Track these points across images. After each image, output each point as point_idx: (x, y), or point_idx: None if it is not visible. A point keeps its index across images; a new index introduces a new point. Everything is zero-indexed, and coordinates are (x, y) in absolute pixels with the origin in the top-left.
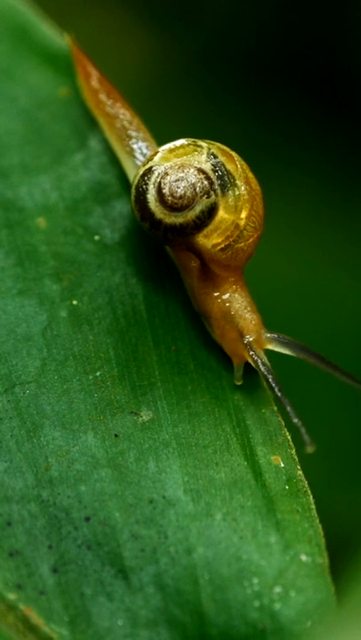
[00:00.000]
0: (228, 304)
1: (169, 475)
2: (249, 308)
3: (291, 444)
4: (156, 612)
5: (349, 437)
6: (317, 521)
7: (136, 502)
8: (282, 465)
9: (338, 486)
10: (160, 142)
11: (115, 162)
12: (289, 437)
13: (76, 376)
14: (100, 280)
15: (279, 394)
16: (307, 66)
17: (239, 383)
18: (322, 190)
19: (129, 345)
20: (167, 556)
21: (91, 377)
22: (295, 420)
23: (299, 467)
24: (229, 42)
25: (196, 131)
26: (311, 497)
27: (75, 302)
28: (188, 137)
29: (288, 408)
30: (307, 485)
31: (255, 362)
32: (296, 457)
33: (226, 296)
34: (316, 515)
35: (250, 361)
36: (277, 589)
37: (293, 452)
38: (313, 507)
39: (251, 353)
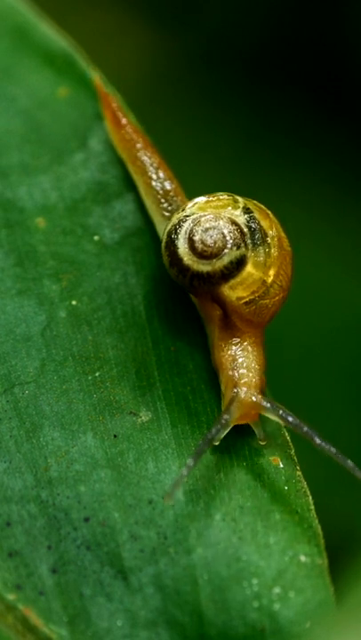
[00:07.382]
0: (238, 354)
1: (168, 475)
2: (256, 367)
3: (290, 444)
4: (155, 612)
5: (349, 437)
6: (317, 521)
7: (135, 503)
8: (281, 465)
9: (337, 487)
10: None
11: (115, 162)
12: (288, 438)
13: (76, 376)
14: (100, 280)
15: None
16: (307, 64)
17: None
18: (322, 188)
19: (128, 345)
20: (166, 556)
21: (90, 377)
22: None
23: (298, 467)
24: (229, 41)
25: (197, 130)
26: (310, 497)
27: (74, 302)
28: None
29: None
30: (306, 486)
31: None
32: (295, 457)
33: (240, 348)
34: (315, 515)
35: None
36: (277, 590)
37: (292, 452)
38: (312, 507)
39: (235, 390)
